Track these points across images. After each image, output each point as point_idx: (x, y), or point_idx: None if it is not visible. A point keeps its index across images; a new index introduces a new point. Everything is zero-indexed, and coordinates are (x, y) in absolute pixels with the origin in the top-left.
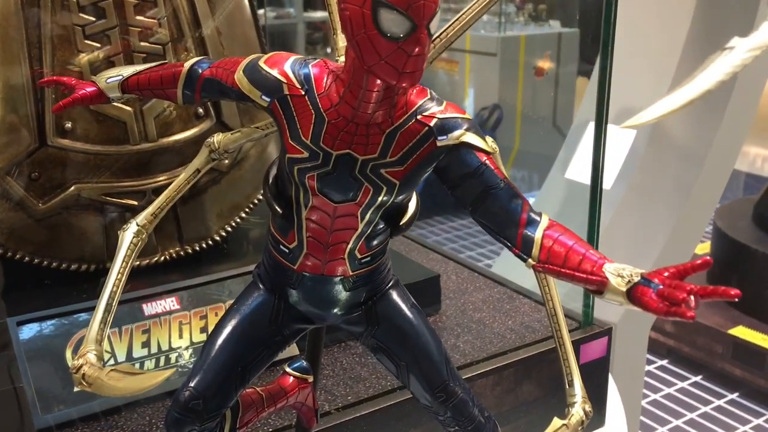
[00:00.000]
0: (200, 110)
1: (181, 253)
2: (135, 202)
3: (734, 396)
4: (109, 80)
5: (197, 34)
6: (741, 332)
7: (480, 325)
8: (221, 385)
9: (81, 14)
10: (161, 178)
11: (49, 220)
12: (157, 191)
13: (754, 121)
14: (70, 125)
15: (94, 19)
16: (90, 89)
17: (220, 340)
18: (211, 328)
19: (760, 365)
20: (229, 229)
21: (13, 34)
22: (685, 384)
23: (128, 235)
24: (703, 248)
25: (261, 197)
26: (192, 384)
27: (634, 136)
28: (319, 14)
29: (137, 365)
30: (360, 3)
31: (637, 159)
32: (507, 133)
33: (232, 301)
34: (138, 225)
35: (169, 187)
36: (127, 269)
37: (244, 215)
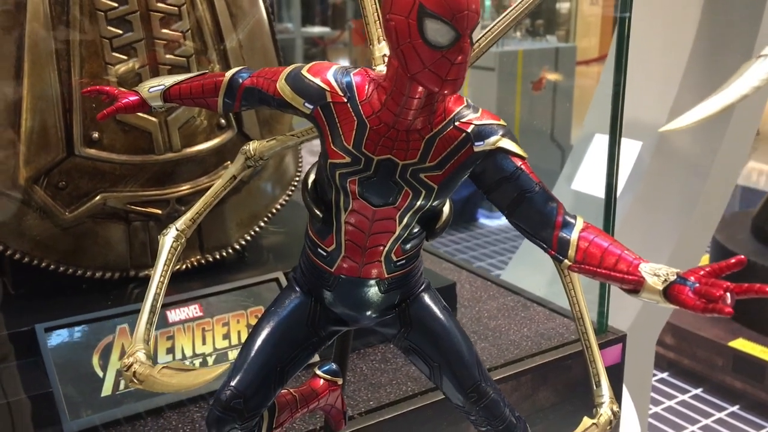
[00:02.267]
0: (222, 121)
1: (203, 261)
2: (159, 211)
3: (735, 408)
4: (151, 89)
5: (221, 46)
6: (741, 345)
7: (496, 333)
8: (261, 384)
9: (109, 27)
10: (184, 188)
11: (75, 229)
12: (181, 200)
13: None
14: (97, 135)
15: (121, 32)
16: (133, 98)
17: (259, 341)
18: (233, 335)
19: (760, 378)
20: (249, 238)
21: (42, 46)
22: (685, 397)
23: (168, 240)
24: (703, 260)
25: (279, 207)
26: (233, 383)
27: (640, 147)
28: (317, 29)
29: None
30: (406, 13)
31: (642, 170)
32: None
33: (253, 308)
34: (177, 230)
35: (207, 193)
36: (168, 272)
37: (263, 224)
